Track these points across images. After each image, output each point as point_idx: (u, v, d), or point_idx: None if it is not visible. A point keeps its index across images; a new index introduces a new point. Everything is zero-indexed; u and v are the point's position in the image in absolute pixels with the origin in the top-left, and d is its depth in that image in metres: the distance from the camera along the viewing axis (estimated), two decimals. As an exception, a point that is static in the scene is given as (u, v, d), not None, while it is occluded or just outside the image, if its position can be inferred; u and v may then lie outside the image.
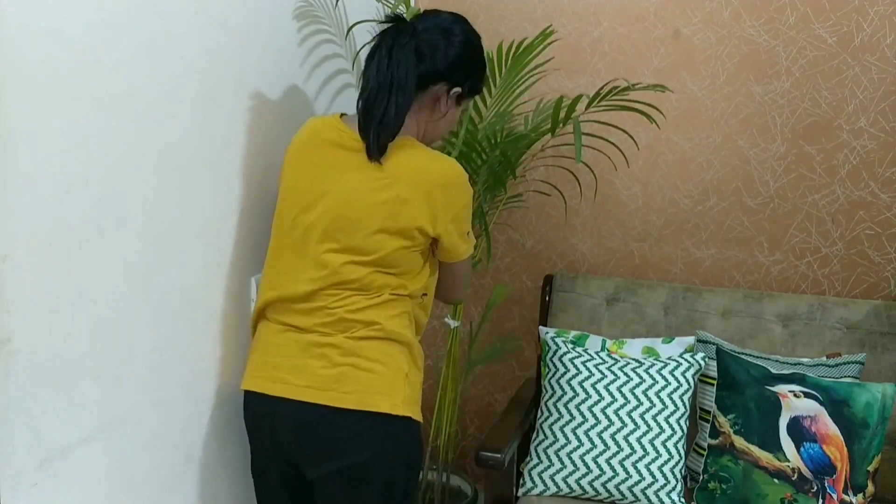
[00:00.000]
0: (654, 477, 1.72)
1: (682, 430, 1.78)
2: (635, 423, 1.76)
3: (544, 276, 2.19)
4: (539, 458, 1.81)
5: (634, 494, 1.73)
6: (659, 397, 1.78)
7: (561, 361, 1.87)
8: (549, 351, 1.92)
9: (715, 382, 1.81)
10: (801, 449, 1.64)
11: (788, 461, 1.64)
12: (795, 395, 1.68)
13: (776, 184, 2.06)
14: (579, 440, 1.77)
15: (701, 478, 1.76)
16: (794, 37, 1.98)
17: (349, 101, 1.87)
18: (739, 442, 1.69)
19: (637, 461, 1.73)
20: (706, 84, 2.07)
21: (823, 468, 1.63)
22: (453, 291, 1.54)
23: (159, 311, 1.27)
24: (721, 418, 1.74)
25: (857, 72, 1.95)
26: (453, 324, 2.01)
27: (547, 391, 1.87)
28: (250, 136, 1.48)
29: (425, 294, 1.44)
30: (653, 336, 2.01)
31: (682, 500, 1.73)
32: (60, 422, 1.08)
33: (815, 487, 1.62)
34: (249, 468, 1.57)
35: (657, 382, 1.80)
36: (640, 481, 1.72)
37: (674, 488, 1.73)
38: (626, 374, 1.82)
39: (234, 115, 1.43)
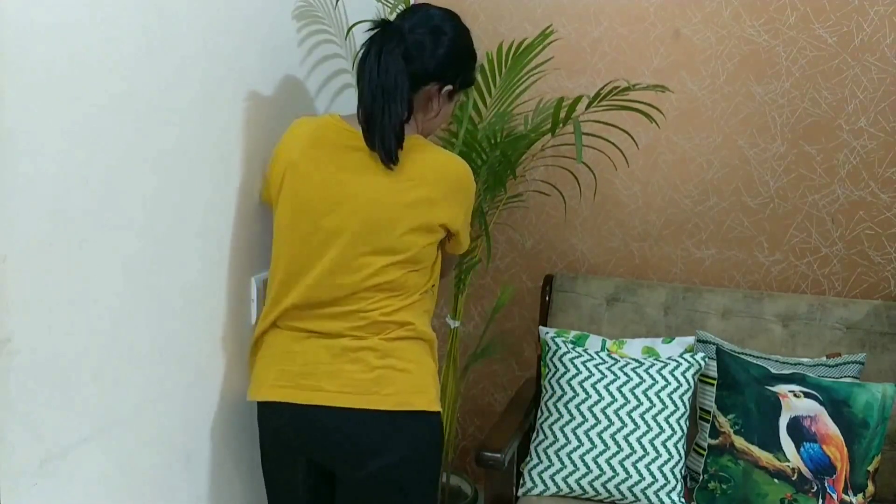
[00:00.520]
0: (654, 477, 1.72)
1: (682, 430, 1.78)
2: (635, 423, 1.76)
3: (544, 276, 2.19)
4: (539, 458, 1.81)
5: (634, 494, 1.73)
6: (659, 397, 1.78)
7: (561, 361, 1.87)
8: (549, 351, 1.92)
9: (715, 382, 1.81)
10: (801, 449, 1.64)
11: (788, 461, 1.64)
12: (795, 395, 1.68)
13: (776, 184, 2.06)
14: (579, 440, 1.77)
15: (701, 478, 1.76)
16: (794, 37, 1.98)
17: (349, 101, 1.87)
18: (739, 442, 1.69)
19: (637, 461, 1.73)
20: (706, 84, 2.07)
21: (823, 468, 1.63)
22: (445, 272, 1.59)
23: (159, 311, 1.27)
24: (721, 418, 1.74)
25: (857, 72, 1.95)
26: (453, 324, 2.01)
27: (547, 391, 1.87)
28: (250, 135, 1.47)
29: (434, 285, 1.48)
30: (653, 336, 2.01)
31: (682, 500, 1.73)
32: (60, 422, 1.08)
33: (815, 487, 1.62)
34: (249, 468, 1.57)
35: (657, 382, 1.80)
36: (640, 481, 1.72)
37: (674, 488, 1.73)
38: (626, 374, 1.82)
39: (233, 115, 1.43)
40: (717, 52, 2.04)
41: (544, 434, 1.83)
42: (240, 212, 1.46)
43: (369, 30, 1.35)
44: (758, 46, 2.01)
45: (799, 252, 2.07)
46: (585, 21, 2.13)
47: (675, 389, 1.79)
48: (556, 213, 2.24)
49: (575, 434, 1.78)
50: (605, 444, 1.75)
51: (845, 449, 1.63)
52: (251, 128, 1.48)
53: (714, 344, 1.88)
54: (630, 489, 1.73)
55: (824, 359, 1.84)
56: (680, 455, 1.76)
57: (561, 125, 1.67)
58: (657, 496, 1.72)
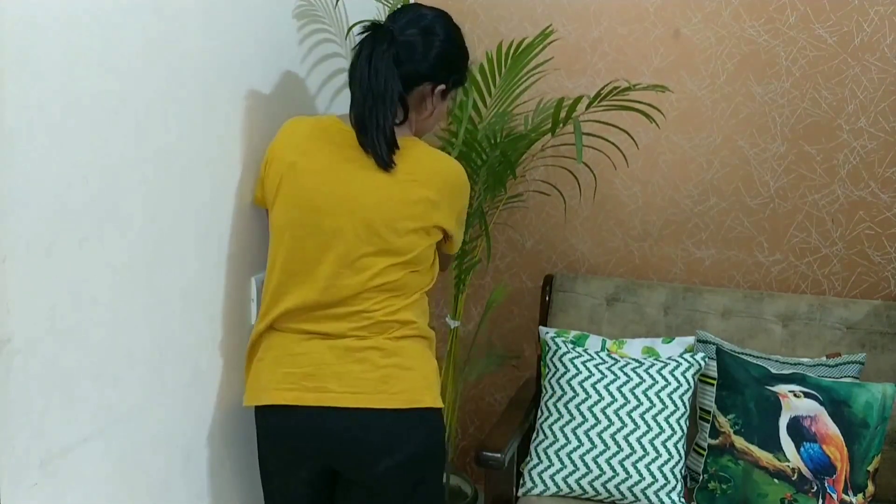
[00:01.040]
0: (654, 477, 1.72)
1: (682, 430, 1.78)
2: (635, 423, 1.76)
3: (544, 276, 2.19)
4: (539, 458, 1.80)
5: (634, 494, 1.73)
6: (659, 397, 1.78)
7: (561, 361, 1.87)
8: (549, 351, 1.92)
9: (715, 382, 1.81)
10: (801, 449, 1.64)
11: (788, 461, 1.64)
12: (795, 395, 1.68)
13: (776, 184, 2.06)
14: (579, 440, 1.77)
15: (701, 478, 1.76)
16: (794, 37, 1.98)
17: (348, 101, 1.87)
18: (739, 442, 1.69)
19: (637, 461, 1.73)
20: (706, 84, 2.07)
21: (823, 468, 1.63)
22: (444, 269, 1.60)
23: (159, 311, 1.27)
24: (721, 418, 1.74)
25: (857, 72, 1.95)
26: (453, 324, 2.01)
27: (547, 391, 1.87)
28: (250, 135, 1.47)
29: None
30: (653, 336, 2.01)
31: (682, 500, 1.73)
32: (60, 422, 1.08)
33: (815, 487, 1.62)
34: (249, 468, 1.57)
35: (657, 382, 1.80)
36: (640, 481, 1.72)
37: (674, 488, 1.73)
38: (626, 374, 1.82)
39: (233, 115, 1.43)
40: (717, 52, 2.04)
41: (544, 434, 1.82)
42: (240, 211, 1.46)
43: (360, 33, 1.36)
44: (758, 46, 2.01)
45: (799, 252, 2.07)
46: (585, 21, 2.13)
47: (675, 389, 1.79)
48: (556, 213, 2.24)
49: (575, 434, 1.78)
50: (605, 444, 1.75)
51: (845, 449, 1.63)
52: (251, 127, 1.48)
53: (714, 344, 1.88)
54: (630, 489, 1.73)
55: (824, 359, 1.84)
56: (680, 455, 1.76)
57: (561, 125, 1.67)
58: (657, 496, 1.72)
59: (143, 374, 1.24)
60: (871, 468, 1.64)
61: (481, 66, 1.82)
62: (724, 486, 1.69)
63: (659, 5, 2.07)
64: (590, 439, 1.76)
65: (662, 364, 1.83)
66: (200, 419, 1.42)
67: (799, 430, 1.66)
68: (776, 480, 1.64)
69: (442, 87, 1.39)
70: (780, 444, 1.66)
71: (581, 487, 1.76)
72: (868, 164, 1.98)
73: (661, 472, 1.73)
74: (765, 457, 1.66)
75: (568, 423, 1.80)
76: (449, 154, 1.74)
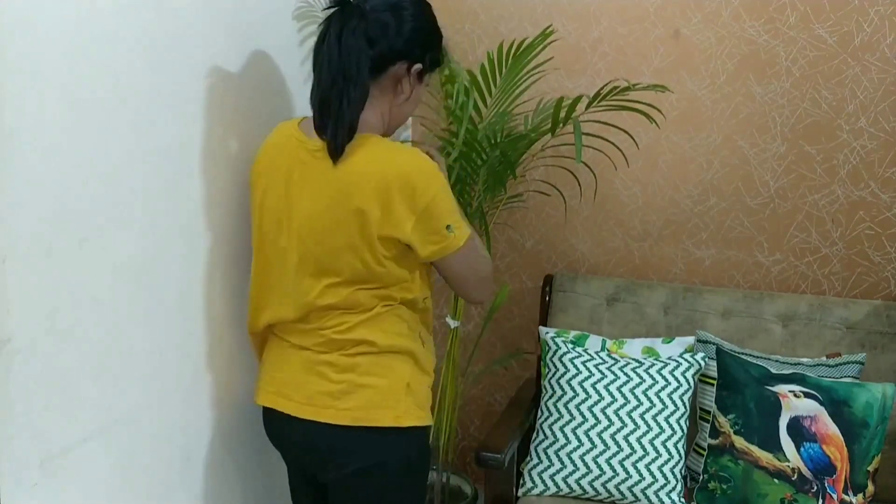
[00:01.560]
0: (654, 477, 1.72)
1: (682, 430, 1.78)
2: (635, 423, 1.76)
3: (544, 276, 2.19)
4: (539, 458, 1.80)
5: (634, 494, 1.73)
6: (659, 397, 1.78)
7: (561, 361, 1.87)
8: (549, 351, 1.92)
9: (715, 382, 1.81)
10: (801, 449, 1.64)
11: (788, 461, 1.64)
12: (795, 395, 1.68)
13: (776, 184, 2.06)
14: (579, 440, 1.77)
15: (701, 478, 1.76)
16: (794, 37, 1.98)
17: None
18: (739, 442, 1.69)
19: (637, 461, 1.73)
20: (706, 84, 2.07)
21: (823, 468, 1.63)
22: (467, 289, 1.40)
23: (159, 311, 1.27)
24: (721, 418, 1.74)
25: (857, 72, 1.95)
26: (453, 324, 2.01)
27: (547, 391, 1.87)
28: (250, 135, 1.47)
29: (426, 297, 1.40)
30: (653, 336, 2.01)
31: (683, 500, 1.73)
32: (60, 422, 1.08)
33: (815, 487, 1.62)
34: (249, 468, 1.58)
35: (657, 382, 1.80)
36: (640, 481, 1.72)
37: (674, 488, 1.73)
38: (626, 374, 1.82)
39: (233, 115, 1.43)
40: (717, 52, 2.04)
41: (544, 434, 1.82)
42: (240, 211, 1.46)
43: (326, 8, 1.27)
44: (758, 46, 2.01)
45: (799, 252, 2.07)
46: (585, 21, 2.13)
47: (675, 389, 1.79)
48: (556, 213, 2.24)
49: (575, 434, 1.78)
50: (605, 444, 1.75)
51: (845, 449, 1.63)
52: (252, 128, 1.48)
53: (714, 344, 1.88)
54: (630, 489, 1.73)
55: (824, 359, 1.84)
56: (680, 455, 1.76)
57: (561, 125, 1.67)
58: (657, 496, 1.72)
59: (143, 374, 1.24)
60: (871, 468, 1.64)
61: (482, 66, 1.82)
62: (724, 486, 1.69)
63: (659, 5, 2.07)
64: (590, 439, 1.76)
65: (662, 364, 1.83)
66: (200, 419, 1.42)
67: (799, 430, 1.66)
68: (776, 480, 1.64)
69: (419, 66, 1.29)
70: (780, 444, 1.66)
71: (581, 487, 1.76)
72: (868, 164, 1.98)
73: (661, 472, 1.73)
74: (765, 457, 1.66)
75: (568, 423, 1.80)
76: (448, 154, 1.75)
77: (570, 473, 1.76)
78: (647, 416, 1.76)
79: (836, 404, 1.66)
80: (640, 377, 1.81)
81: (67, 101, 1.03)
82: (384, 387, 1.30)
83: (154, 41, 1.19)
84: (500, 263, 2.33)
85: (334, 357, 1.30)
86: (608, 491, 1.74)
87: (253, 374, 1.54)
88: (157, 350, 1.27)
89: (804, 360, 1.84)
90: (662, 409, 1.77)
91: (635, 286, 2.09)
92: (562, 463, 1.77)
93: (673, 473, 1.74)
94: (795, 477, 1.63)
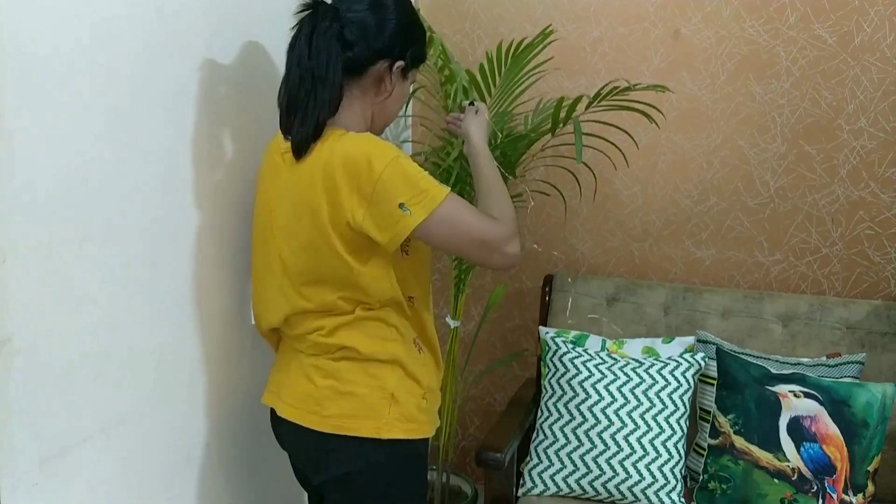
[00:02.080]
0: (654, 477, 1.72)
1: (682, 430, 1.78)
2: (635, 423, 1.76)
3: (544, 276, 2.19)
4: (539, 458, 1.80)
5: (634, 494, 1.73)
6: (659, 397, 1.78)
7: (561, 361, 1.87)
8: (549, 351, 1.92)
9: (715, 382, 1.81)
10: (801, 449, 1.64)
11: (788, 461, 1.64)
12: (795, 395, 1.68)
13: (776, 184, 2.06)
14: (579, 440, 1.77)
15: (701, 478, 1.76)
16: (794, 37, 1.98)
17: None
18: (739, 442, 1.69)
19: (637, 461, 1.73)
20: (706, 84, 2.07)
21: (823, 468, 1.63)
22: (478, 259, 1.26)
23: (159, 311, 1.27)
24: (721, 418, 1.74)
25: (857, 72, 1.95)
26: (453, 324, 2.01)
27: (547, 391, 1.87)
28: (250, 136, 1.47)
29: (412, 297, 1.32)
30: (653, 336, 2.01)
31: (683, 500, 1.73)
32: (60, 422, 1.08)
33: (815, 487, 1.62)
34: (249, 468, 1.58)
35: (657, 382, 1.80)
36: (640, 481, 1.72)
37: (674, 488, 1.73)
38: (626, 374, 1.82)
39: (233, 115, 1.43)
40: (717, 52, 2.04)
41: (544, 434, 1.82)
42: (240, 211, 1.46)
43: (298, 11, 1.25)
44: (758, 46, 2.01)
45: (799, 252, 2.07)
46: (585, 21, 2.13)
47: (675, 389, 1.79)
48: (556, 213, 2.24)
49: (575, 434, 1.78)
50: (605, 444, 1.75)
51: (845, 449, 1.63)
52: (252, 128, 1.48)
53: (714, 344, 1.88)
54: (630, 489, 1.73)
55: (824, 359, 1.84)
56: (680, 455, 1.76)
57: (561, 125, 1.67)
58: (657, 496, 1.72)
59: (143, 374, 1.24)
60: (871, 468, 1.64)
61: (481, 66, 1.82)
62: (724, 486, 1.69)
63: (659, 5, 2.07)
64: (590, 439, 1.76)
65: (662, 364, 1.83)
66: (200, 419, 1.42)
67: (799, 430, 1.66)
68: (776, 480, 1.64)
69: (401, 63, 1.26)
70: (780, 444, 1.66)
71: (581, 487, 1.76)
72: (868, 164, 1.98)
73: (661, 472, 1.73)
74: (765, 457, 1.66)
75: (568, 423, 1.80)
76: (448, 154, 1.75)
77: (570, 473, 1.76)
78: (647, 416, 1.76)
79: (836, 404, 1.66)
80: (640, 377, 1.81)
81: (67, 102, 1.03)
82: (366, 396, 1.26)
83: (153, 41, 1.19)
84: (500, 263, 2.33)
85: (321, 361, 1.28)
86: (608, 491, 1.74)
87: (253, 374, 1.54)
88: (157, 350, 1.27)
89: (804, 360, 1.84)
90: (662, 409, 1.77)
91: (635, 286, 2.09)
92: (562, 463, 1.77)
93: (673, 473, 1.74)
94: (795, 477, 1.63)
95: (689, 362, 1.83)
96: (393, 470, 1.29)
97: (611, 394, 1.79)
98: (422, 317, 1.35)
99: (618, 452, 1.74)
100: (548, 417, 1.84)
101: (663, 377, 1.81)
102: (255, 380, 1.54)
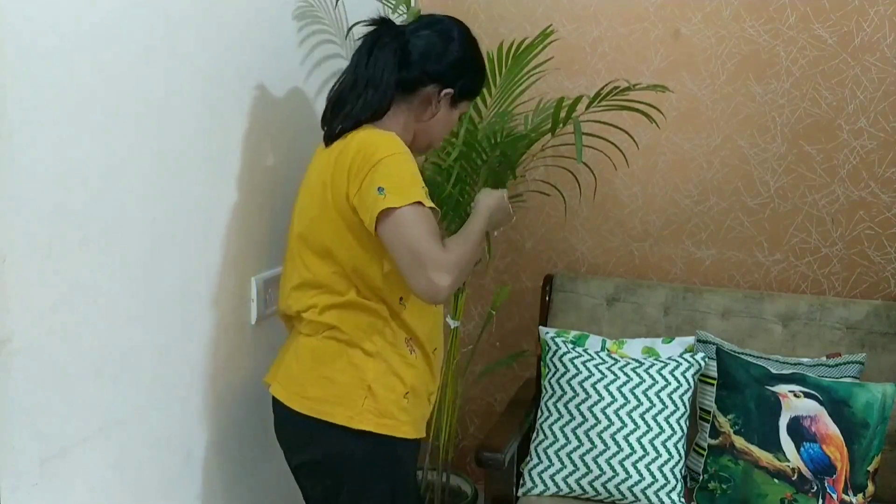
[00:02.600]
0: (654, 477, 1.72)
1: (682, 430, 1.78)
2: (635, 423, 1.76)
3: (544, 276, 2.19)
4: (539, 458, 1.80)
5: (634, 494, 1.73)
6: (659, 397, 1.78)
7: (561, 361, 1.87)
8: (549, 351, 1.92)
9: (715, 382, 1.80)
10: (801, 449, 1.64)
11: (788, 461, 1.64)
12: (795, 395, 1.68)
13: (776, 184, 2.06)
14: (579, 440, 1.77)
15: (701, 478, 1.76)
16: (794, 37, 1.98)
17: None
18: (739, 442, 1.69)
19: (637, 461, 1.73)
20: (706, 84, 2.07)
21: (823, 468, 1.63)
22: (404, 270, 1.20)
23: (159, 311, 1.27)
24: (721, 418, 1.74)
25: (857, 72, 1.95)
26: (453, 324, 2.01)
27: (547, 391, 1.87)
28: (250, 135, 1.48)
29: (402, 298, 1.34)
30: (653, 336, 2.01)
31: (683, 500, 1.73)
32: (60, 422, 1.08)
33: (815, 487, 1.62)
34: (249, 467, 1.58)
35: (657, 382, 1.80)
36: (640, 481, 1.72)
37: (674, 488, 1.73)
38: (626, 374, 1.82)
39: (233, 115, 1.43)
40: (717, 52, 2.04)
41: (544, 434, 1.82)
42: (240, 212, 1.46)
43: (367, 24, 1.37)
44: (758, 46, 2.01)
45: (799, 252, 2.07)
46: (585, 21, 2.13)
47: (675, 389, 1.79)
48: (556, 213, 2.24)
49: (575, 434, 1.78)
50: (605, 444, 1.75)
51: (845, 449, 1.63)
52: (251, 127, 1.48)
53: (714, 344, 1.88)
54: (630, 489, 1.73)
55: (824, 359, 1.84)
56: (680, 455, 1.76)
57: (561, 125, 1.67)
58: (657, 496, 1.72)
59: (143, 374, 1.24)
60: (871, 468, 1.64)
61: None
62: (724, 486, 1.69)
63: (659, 5, 2.07)
64: (590, 439, 1.76)
65: (662, 364, 1.83)
66: (200, 419, 1.42)
67: (799, 430, 1.66)
68: (776, 480, 1.64)
69: (449, 91, 1.36)
70: (780, 444, 1.66)
71: (581, 487, 1.76)
72: (868, 164, 1.98)
73: (661, 472, 1.73)
74: (765, 457, 1.66)
75: (568, 423, 1.80)
76: (449, 154, 1.75)
77: (570, 473, 1.76)
78: (647, 416, 1.76)
79: (836, 404, 1.66)
80: (640, 377, 1.81)
81: (67, 102, 1.03)
82: (343, 383, 1.30)
83: (153, 41, 1.19)
84: (500, 263, 2.33)
85: (312, 342, 1.33)
86: (608, 491, 1.74)
87: (253, 373, 1.54)
88: (157, 350, 1.27)
89: (804, 360, 1.84)
90: (662, 409, 1.77)
91: (635, 286, 2.09)
92: (562, 463, 1.77)
93: (673, 473, 1.74)
94: (795, 477, 1.63)
95: (689, 362, 1.83)
96: (364, 464, 1.31)
97: (611, 394, 1.79)
98: (418, 320, 1.36)
99: (618, 452, 1.74)
100: (548, 417, 1.84)
101: (663, 377, 1.81)
102: (255, 379, 1.54)
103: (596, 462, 1.74)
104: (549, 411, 1.84)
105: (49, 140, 1.01)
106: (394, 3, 1.77)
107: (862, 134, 1.97)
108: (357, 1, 1.84)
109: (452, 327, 2.01)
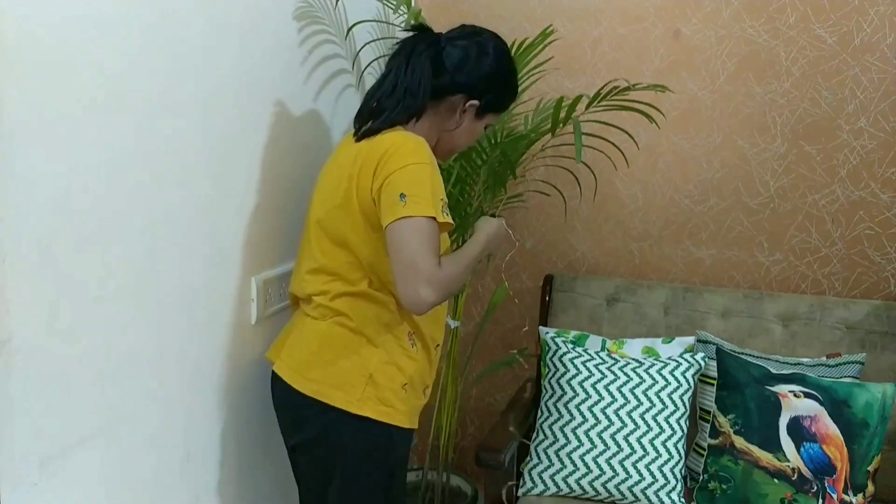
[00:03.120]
0: (654, 477, 1.72)
1: (682, 430, 1.78)
2: (635, 423, 1.76)
3: (544, 276, 2.19)
4: (539, 458, 1.80)
5: (634, 494, 1.73)
6: (659, 397, 1.78)
7: (561, 361, 1.87)
8: (549, 351, 1.92)
9: (715, 382, 1.81)
10: (801, 449, 1.64)
11: (788, 461, 1.64)
12: (795, 395, 1.68)
13: (776, 184, 2.06)
14: (579, 440, 1.77)
15: (701, 478, 1.76)
16: (794, 37, 1.98)
17: (349, 102, 1.87)
18: (739, 442, 1.69)
19: (637, 461, 1.73)
20: (706, 84, 2.07)
21: (823, 468, 1.63)
22: (395, 274, 1.22)
23: (159, 311, 1.27)
24: (721, 418, 1.74)
25: (857, 72, 1.95)
26: (453, 324, 2.01)
27: (547, 391, 1.87)
28: (250, 135, 1.48)
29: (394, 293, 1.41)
30: (653, 336, 2.01)
31: (683, 500, 1.73)
32: (60, 422, 1.08)
33: (815, 487, 1.62)
34: (249, 467, 1.58)
35: (657, 382, 1.80)
36: (640, 481, 1.72)
37: (674, 488, 1.73)
38: (626, 374, 1.82)
39: (234, 115, 1.43)
40: (717, 52, 2.04)
41: (544, 434, 1.83)
42: (240, 212, 1.46)
43: (405, 29, 1.43)
44: (758, 46, 2.01)
45: (799, 252, 2.07)
46: (585, 21, 2.13)
47: (675, 389, 1.79)
48: (556, 213, 2.24)
49: (575, 434, 1.78)
50: (605, 444, 1.75)
51: (845, 449, 1.63)
52: (252, 128, 1.48)
53: (714, 344, 1.88)
54: (630, 489, 1.73)
55: (824, 359, 1.84)
56: (680, 455, 1.76)
57: (561, 125, 1.67)
58: (657, 496, 1.72)
59: (143, 374, 1.24)
60: (871, 468, 1.64)
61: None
62: (724, 486, 1.69)
63: (659, 5, 2.07)
64: (590, 439, 1.76)
65: (662, 364, 1.83)
66: (200, 419, 1.42)
67: (799, 430, 1.66)
68: (776, 480, 1.64)
69: (475, 102, 1.39)
70: (780, 444, 1.66)
71: (581, 487, 1.76)
72: (868, 164, 1.98)
73: (661, 472, 1.73)
74: (765, 457, 1.66)
75: (568, 423, 1.80)
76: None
77: (570, 473, 1.76)
78: (647, 416, 1.76)
79: (836, 404, 1.66)
80: (640, 377, 1.81)
81: (67, 101, 1.03)
82: (346, 369, 1.35)
83: (153, 41, 1.19)
84: (500, 263, 2.34)
85: (320, 326, 1.37)
86: (608, 491, 1.74)
87: (253, 373, 1.54)
88: (157, 350, 1.27)
89: (804, 360, 1.84)
90: (662, 409, 1.77)
91: (635, 286, 2.09)
92: (562, 463, 1.77)
93: (673, 473, 1.74)
94: (795, 477, 1.63)
95: (689, 362, 1.83)
96: (359, 447, 1.35)
97: (611, 394, 1.79)
98: (424, 317, 1.41)
99: (618, 452, 1.74)
100: (548, 417, 1.84)
101: (663, 377, 1.81)
102: (255, 379, 1.54)
103: (596, 462, 1.74)
104: (550, 411, 1.84)
105: (49, 140, 1.01)
106: (394, 2, 1.77)
107: (862, 134, 1.97)
108: (357, 1, 1.84)
109: (452, 327, 2.01)
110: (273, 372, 1.43)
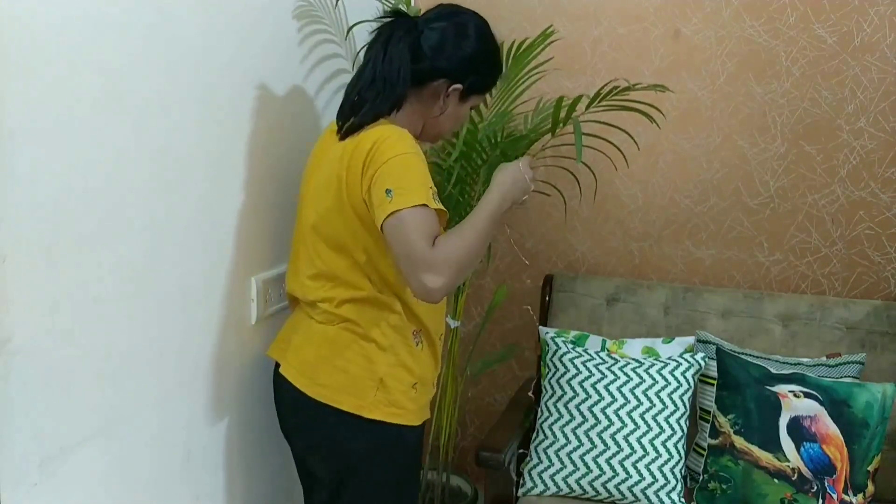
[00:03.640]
0: (654, 477, 1.72)
1: (682, 430, 1.78)
2: (635, 423, 1.76)
3: (544, 276, 2.19)
4: (539, 458, 1.80)
5: (634, 494, 1.73)
6: (659, 397, 1.78)
7: (561, 361, 1.87)
8: (549, 351, 1.92)
9: (715, 382, 1.81)
10: (801, 449, 1.64)
11: (788, 461, 1.64)
12: (795, 395, 1.68)
13: (776, 184, 2.06)
14: (579, 440, 1.77)
15: (701, 478, 1.76)
16: (794, 37, 1.98)
17: (349, 101, 1.87)
18: (739, 442, 1.69)
19: (637, 461, 1.73)
20: (706, 84, 2.07)
21: (823, 468, 1.63)
22: (403, 269, 1.20)
23: (159, 311, 1.27)
24: (721, 418, 1.74)
25: (857, 72, 1.95)
26: (453, 324, 2.01)
27: (547, 391, 1.87)
28: (250, 135, 1.47)
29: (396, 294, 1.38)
30: (653, 336, 2.01)
31: (683, 500, 1.73)
32: (60, 422, 1.08)
33: (815, 487, 1.62)
34: (249, 467, 1.58)
35: (657, 382, 1.80)
36: (640, 481, 1.72)
37: (674, 488, 1.73)
38: (626, 374, 1.82)
39: (233, 115, 1.43)
40: (717, 52, 2.04)
41: (544, 434, 1.82)
42: (240, 212, 1.46)
43: (381, 17, 1.37)
44: (758, 46, 2.01)
45: (799, 252, 2.07)
46: (585, 21, 2.13)
47: (675, 389, 1.79)
48: (556, 213, 2.24)
49: (575, 434, 1.78)
50: (605, 444, 1.75)
51: (845, 449, 1.63)
52: (251, 127, 1.48)
53: (714, 344, 1.88)
54: (630, 489, 1.73)
55: (824, 359, 1.84)
56: (680, 455, 1.76)
57: (561, 125, 1.67)
58: (657, 496, 1.72)
59: (143, 374, 1.24)
60: (871, 468, 1.64)
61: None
62: (724, 486, 1.69)
63: (659, 5, 2.07)
64: (590, 439, 1.76)
65: (662, 364, 1.83)
66: (200, 419, 1.42)
67: (799, 430, 1.66)
68: (776, 480, 1.64)
69: (458, 87, 1.35)
70: (780, 444, 1.66)
71: (581, 487, 1.76)
72: (868, 164, 1.98)
73: (661, 472, 1.73)
74: (765, 457, 1.66)
75: (568, 423, 1.80)
76: (449, 154, 1.75)
77: (570, 473, 1.76)
78: (647, 416, 1.76)
79: (836, 404, 1.66)
80: (640, 377, 1.81)
81: (67, 101, 1.03)
82: (356, 374, 1.33)
83: (153, 41, 1.19)
84: (499, 263, 2.34)
85: (327, 330, 1.35)
86: (608, 491, 1.74)
87: (253, 373, 1.54)
88: (157, 350, 1.27)
89: (804, 360, 1.84)
90: (662, 409, 1.77)
91: (635, 286, 2.09)
92: (562, 463, 1.77)
93: (673, 473, 1.74)
94: (795, 477, 1.63)
95: (689, 362, 1.83)
96: (372, 450, 1.35)
97: (611, 394, 1.79)
98: (430, 312, 1.41)
99: (618, 452, 1.74)
100: (548, 417, 1.84)
101: (663, 377, 1.81)
102: (255, 379, 1.54)
103: (596, 462, 1.74)
104: (549, 411, 1.84)
105: (49, 140, 1.01)
106: (394, 2, 1.77)
107: (862, 134, 1.97)
108: (357, 1, 1.84)
109: (452, 327, 2.01)
110: (278, 372, 1.41)
